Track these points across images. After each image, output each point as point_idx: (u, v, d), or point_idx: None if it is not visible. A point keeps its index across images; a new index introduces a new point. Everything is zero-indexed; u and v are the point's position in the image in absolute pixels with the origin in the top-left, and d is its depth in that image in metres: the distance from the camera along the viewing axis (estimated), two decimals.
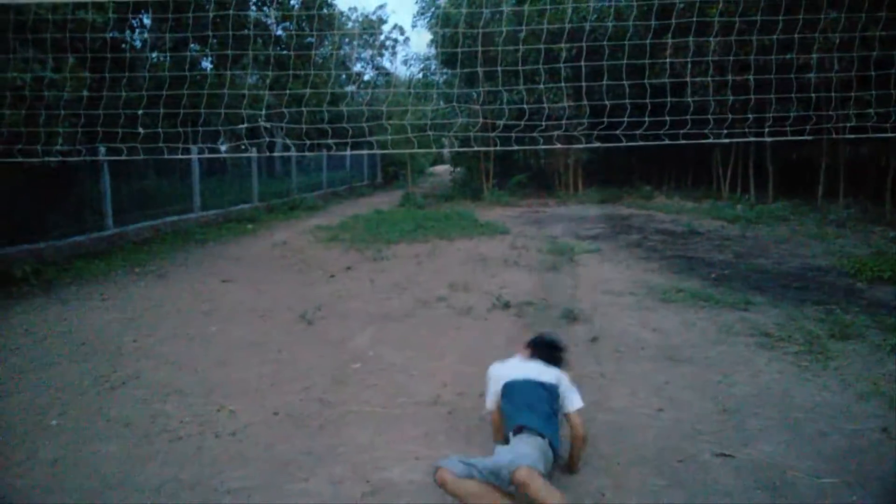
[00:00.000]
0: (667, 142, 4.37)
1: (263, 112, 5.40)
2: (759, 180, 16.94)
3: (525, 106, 5.12)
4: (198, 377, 4.89)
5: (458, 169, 24.03)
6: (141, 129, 4.70)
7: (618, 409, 4.24)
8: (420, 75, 23.23)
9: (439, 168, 44.63)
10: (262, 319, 6.55)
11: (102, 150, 8.79)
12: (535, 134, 5.18)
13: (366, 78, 29.34)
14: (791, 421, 4.03)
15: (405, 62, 42.09)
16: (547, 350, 3.75)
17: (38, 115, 6.14)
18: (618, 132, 4.42)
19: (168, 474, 3.44)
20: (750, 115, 5.64)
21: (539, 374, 3.50)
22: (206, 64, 16.33)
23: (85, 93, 5.51)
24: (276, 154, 17.03)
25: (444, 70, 20.23)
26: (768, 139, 5.76)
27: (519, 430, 3.20)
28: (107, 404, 4.39)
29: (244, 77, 15.84)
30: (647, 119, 4.42)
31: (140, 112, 4.79)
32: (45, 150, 4.96)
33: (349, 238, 11.84)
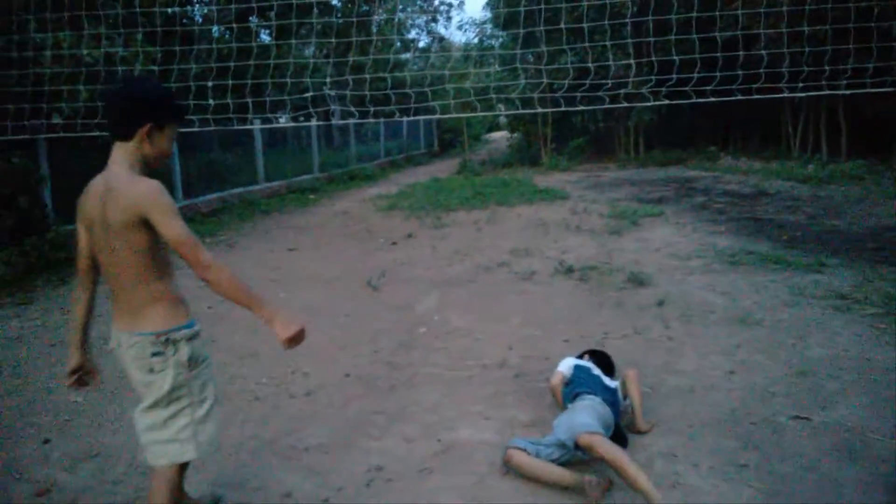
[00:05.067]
0: (739, 97, 4.21)
1: (328, 80, 5.45)
2: (832, 139, 16.18)
3: (590, 64, 4.99)
4: (271, 341, 5.00)
5: (516, 135, 23.77)
6: (211, 101, 4.82)
7: (687, 371, 4.19)
8: (476, 40, 22.96)
9: (495, 135, 44.21)
10: (328, 286, 6.71)
11: None
12: (600, 93, 5.06)
13: (421, 45, 29.19)
14: (869, 384, 3.91)
15: (460, 27, 41.57)
16: (605, 360, 3.92)
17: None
18: (687, 88, 4.29)
19: (248, 433, 3.60)
20: (826, 68, 5.37)
21: (604, 377, 3.62)
22: (264, 36, 16.55)
23: (154, 67, 5.68)
24: (336, 122, 17.14)
25: (501, 33, 19.94)
26: (846, 92, 5.49)
27: (576, 397, 3.37)
28: None
29: (303, 48, 15.98)
30: (717, 74, 4.27)
31: (210, 84, 4.92)
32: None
33: (408, 206, 11.92)
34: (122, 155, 2.22)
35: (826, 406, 3.65)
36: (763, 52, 4.44)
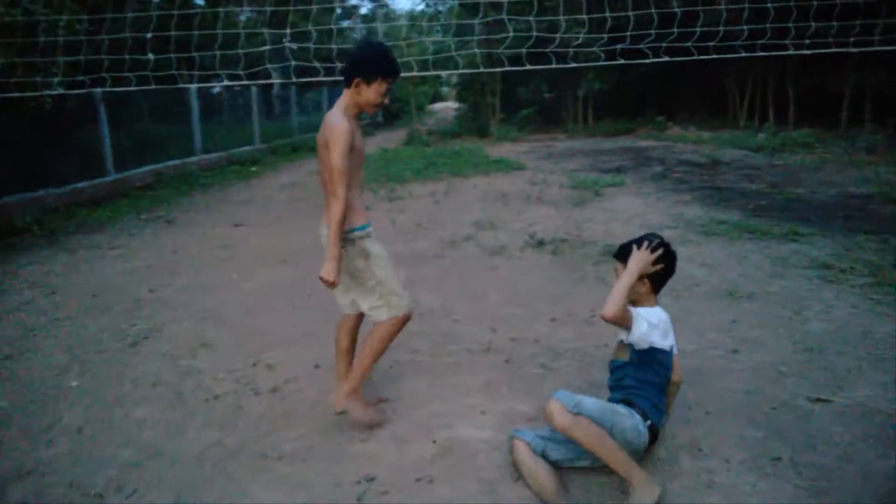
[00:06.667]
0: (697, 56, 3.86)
1: (268, 48, 4.83)
2: (779, 108, 16.35)
3: (531, 18, 4.57)
4: (226, 328, 4.53)
5: (463, 105, 23.29)
6: (152, 55, 4.20)
7: (689, 351, 3.87)
8: (422, 6, 22.25)
9: (438, 105, 43.58)
10: (284, 264, 6.17)
11: (98, 89, 8.23)
12: (548, 50, 4.69)
13: (363, 11, 28.15)
14: (879, 361, 3.68)
15: None
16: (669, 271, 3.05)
17: (31, 51, 5.61)
18: (642, 45, 3.91)
19: (210, 438, 3.10)
20: (767, 26, 5.14)
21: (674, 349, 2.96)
22: (199, 0, 15.53)
23: (83, 17, 4.96)
24: (274, 80, 16.25)
25: None
26: (792, 52, 5.26)
27: (622, 401, 2.77)
28: (131, 362, 4.04)
29: (238, 14, 15.04)
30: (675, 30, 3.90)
31: (148, 36, 4.28)
32: (44, 84, 4.47)
33: None
34: (343, 98, 3.02)
35: (843, 386, 3.40)
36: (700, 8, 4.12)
